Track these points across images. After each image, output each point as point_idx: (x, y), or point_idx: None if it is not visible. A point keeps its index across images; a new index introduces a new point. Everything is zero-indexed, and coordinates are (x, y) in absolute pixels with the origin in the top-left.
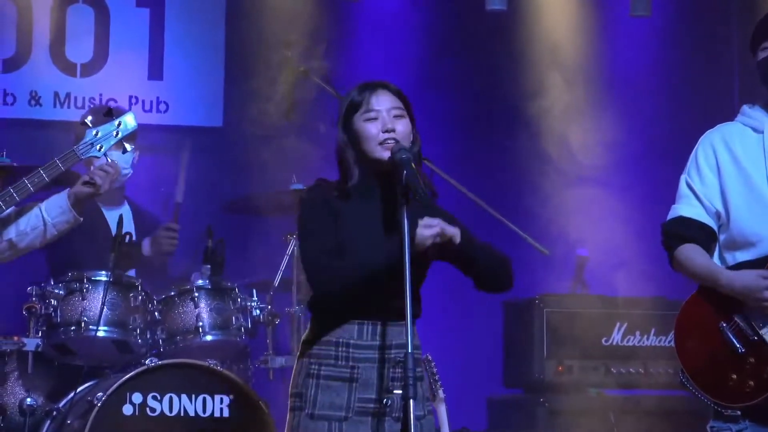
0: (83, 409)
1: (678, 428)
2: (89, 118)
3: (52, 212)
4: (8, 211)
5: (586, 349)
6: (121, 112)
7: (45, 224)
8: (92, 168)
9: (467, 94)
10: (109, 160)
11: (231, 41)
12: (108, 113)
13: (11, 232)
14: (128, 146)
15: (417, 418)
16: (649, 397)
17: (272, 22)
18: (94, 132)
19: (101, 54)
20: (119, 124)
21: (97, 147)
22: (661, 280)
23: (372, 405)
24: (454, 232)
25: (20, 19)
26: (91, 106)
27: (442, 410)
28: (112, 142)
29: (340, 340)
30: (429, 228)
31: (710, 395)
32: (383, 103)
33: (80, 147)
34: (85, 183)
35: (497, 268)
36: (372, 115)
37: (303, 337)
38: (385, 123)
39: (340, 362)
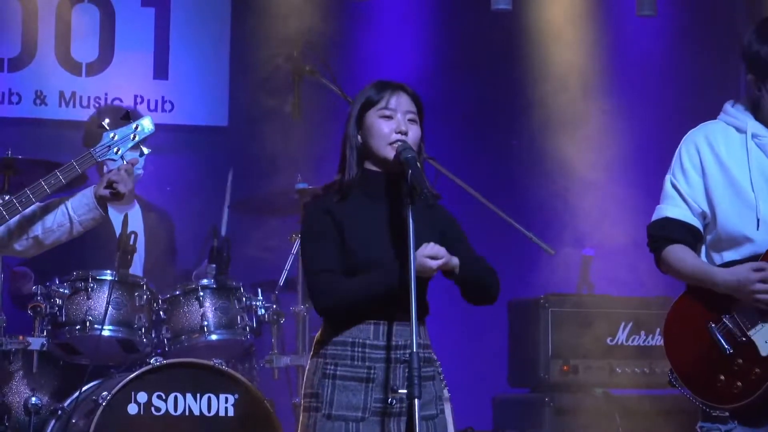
0: (88, 409)
1: (683, 428)
2: (106, 120)
3: (79, 210)
4: (32, 208)
5: (591, 349)
6: (138, 116)
7: (71, 221)
8: (110, 174)
9: (472, 93)
10: (125, 162)
11: (236, 41)
12: (125, 116)
13: (37, 230)
14: (145, 150)
15: (429, 417)
16: (654, 397)
17: (278, 21)
18: (111, 135)
19: (107, 53)
20: (137, 128)
21: (114, 150)
22: (666, 280)
23: (387, 405)
24: (456, 264)
25: (25, 18)
26: (97, 105)
27: (447, 410)
28: (129, 146)
29: (357, 340)
30: (434, 260)
31: (698, 395)
32: (402, 104)
33: (97, 150)
34: (106, 187)
35: (486, 286)
36: (387, 113)
37: (317, 336)
38: (399, 124)
39: (356, 362)
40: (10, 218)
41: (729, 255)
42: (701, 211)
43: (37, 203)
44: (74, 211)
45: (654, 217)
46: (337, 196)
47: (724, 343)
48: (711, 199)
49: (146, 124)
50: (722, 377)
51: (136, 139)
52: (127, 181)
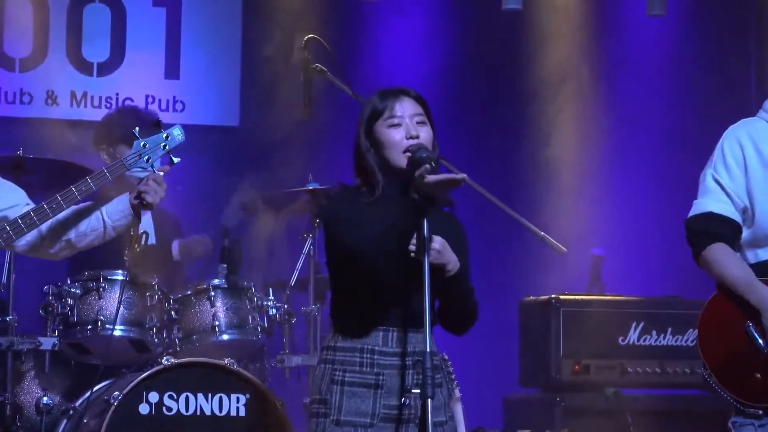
0: (100, 409)
1: (695, 428)
2: (137, 128)
3: (114, 216)
4: (66, 213)
5: (602, 349)
6: (168, 126)
7: (105, 226)
8: (140, 185)
9: (483, 93)
10: (154, 171)
11: (247, 40)
12: (156, 125)
13: (71, 234)
14: (175, 159)
15: (439, 423)
16: (666, 397)
17: (289, 21)
18: (142, 143)
19: (118, 53)
20: (167, 137)
21: (145, 159)
22: (677, 280)
23: (396, 411)
24: (456, 264)
25: (37, 18)
26: (108, 105)
27: (458, 410)
28: (160, 154)
29: (366, 346)
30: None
31: (733, 393)
32: (406, 109)
33: (128, 158)
34: (136, 197)
35: (470, 313)
36: (395, 121)
37: (325, 342)
38: (409, 130)
39: (365, 369)
40: (41, 224)
41: (765, 254)
42: (743, 206)
43: (70, 208)
44: (109, 217)
45: (694, 212)
46: (360, 199)
47: (761, 342)
48: (752, 197)
49: (177, 134)
50: (758, 375)
51: (167, 148)
52: (157, 190)
